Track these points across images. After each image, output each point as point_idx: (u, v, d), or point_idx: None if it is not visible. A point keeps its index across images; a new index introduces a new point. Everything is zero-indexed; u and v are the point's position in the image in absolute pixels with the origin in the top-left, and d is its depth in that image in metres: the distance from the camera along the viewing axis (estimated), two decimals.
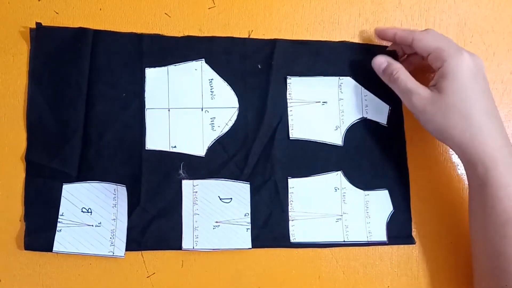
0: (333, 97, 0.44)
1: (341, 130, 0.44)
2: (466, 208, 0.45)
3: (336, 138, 0.44)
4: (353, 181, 0.44)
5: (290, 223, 0.43)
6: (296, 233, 0.43)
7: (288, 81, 0.44)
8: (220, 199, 0.42)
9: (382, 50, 0.45)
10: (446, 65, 0.38)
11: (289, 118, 0.44)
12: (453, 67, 0.38)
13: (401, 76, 0.41)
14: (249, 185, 0.43)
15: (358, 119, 0.45)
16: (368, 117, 0.45)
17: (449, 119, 0.38)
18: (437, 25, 0.47)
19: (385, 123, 0.45)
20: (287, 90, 0.44)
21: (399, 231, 0.44)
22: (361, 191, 0.44)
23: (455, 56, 0.38)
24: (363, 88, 0.45)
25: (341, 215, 0.43)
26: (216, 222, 0.42)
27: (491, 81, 0.47)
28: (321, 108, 0.44)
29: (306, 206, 0.43)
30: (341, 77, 0.44)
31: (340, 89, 0.44)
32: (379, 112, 0.45)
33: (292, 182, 0.43)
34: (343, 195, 0.44)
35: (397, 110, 0.45)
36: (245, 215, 0.42)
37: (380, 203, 0.44)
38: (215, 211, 0.42)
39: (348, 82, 0.45)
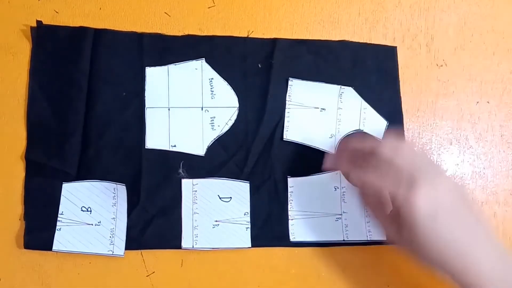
0: (332, 105, 0.44)
1: (336, 139, 0.44)
2: None
3: (329, 146, 0.44)
4: None
5: (290, 222, 0.43)
6: (296, 232, 0.43)
7: (290, 83, 0.44)
8: (220, 198, 0.42)
9: (382, 49, 0.46)
10: (399, 213, 0.33)
11: (285, 119, 0.44)
12: (406, 217, 0.33)
13: (369, 211, 0.40)
14: (248, 184, 0.43)
15: (354, 131, 0.45)
16: (365, 130, 0.45)
17: (427, 255, 0.34)
18: (437, 24, 0.47)
19: (381, 138, 0.45)
20: (287, 92, 0.44)
21: None
22: None
23: (406, 203, 0.32)
24: (363, 101, 0.45)
25: (341, 214, 0.43)
26: (216, 221, 0.42)
27: (491, 81, 0.47)
28: (319, 114, 0.44)
29: (306, 205, 0.43)
30: (342, 86, 0.44)
31: (341, 98, 0.44)
32: (376, 127, 0.45)
33: (292, 181, 0.43)
34: (343, 194, 0.43)
35: (396, 126, 0.45)
36: (244, 214, 0.42)
37: None
38: (215, 210, 0.42)
39: (349, 93, 0.44)
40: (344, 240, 0.43)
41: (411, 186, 0.33)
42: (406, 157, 0.35)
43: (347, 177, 0.41)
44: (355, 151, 0.40)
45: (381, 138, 0.44)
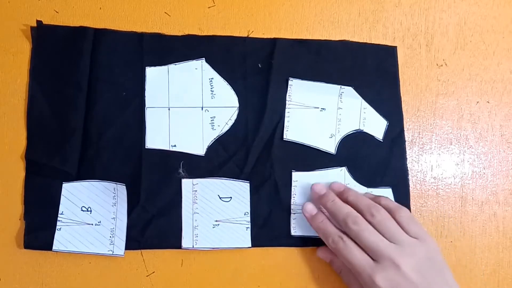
0: (332, 104, 0.44)
1: (336, 139, 0.44)
2: (466, 208, 0.45)
3: (329, 146, 0.44)
4: (357, 177, 0.44)
5: (292, 216, 0.43)
6: (297, 227, 0.43)
7: (290, 83, 0.44)
8: (220, 198, 0.42)
9: (382, 49, 0.46)
10: None
11: (285, 119, 0.44)
12: None
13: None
14: (248, 184, 0.43)
15: (354, 130, 0.44)
16: (365, 130, 0.45)
17: None
18: (437, 24, 0.47)
19: (381, 138, 0.45)
20: (287, 92, 0.44)
21: None
22: (364, 187, 0.44)
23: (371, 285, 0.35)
24: (363, 101, 0.45)
25: None
26: (216, 221, 0.42)
27: (491, 81, 0.47)
28: (319, 114, 0.44)
29: (309, 200, 0.43)
30: (342, 86, 0.44)
31: (341, 98, 0.44)
32: (377, 127, 0.45)
33: (296, 176, 0.43)
34: None
35: (396, 126, 0.45)
36: (244, 214, 0.42)
37: None
38: (215, 210, 0.42)
39: (349, 92, 0.44)
40: None
41: (373, 268, 0.35)
42: (370, 235, 0.37)
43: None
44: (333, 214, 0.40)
45: (382, 134, 0.44)
